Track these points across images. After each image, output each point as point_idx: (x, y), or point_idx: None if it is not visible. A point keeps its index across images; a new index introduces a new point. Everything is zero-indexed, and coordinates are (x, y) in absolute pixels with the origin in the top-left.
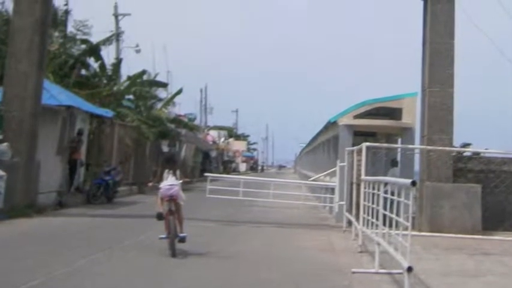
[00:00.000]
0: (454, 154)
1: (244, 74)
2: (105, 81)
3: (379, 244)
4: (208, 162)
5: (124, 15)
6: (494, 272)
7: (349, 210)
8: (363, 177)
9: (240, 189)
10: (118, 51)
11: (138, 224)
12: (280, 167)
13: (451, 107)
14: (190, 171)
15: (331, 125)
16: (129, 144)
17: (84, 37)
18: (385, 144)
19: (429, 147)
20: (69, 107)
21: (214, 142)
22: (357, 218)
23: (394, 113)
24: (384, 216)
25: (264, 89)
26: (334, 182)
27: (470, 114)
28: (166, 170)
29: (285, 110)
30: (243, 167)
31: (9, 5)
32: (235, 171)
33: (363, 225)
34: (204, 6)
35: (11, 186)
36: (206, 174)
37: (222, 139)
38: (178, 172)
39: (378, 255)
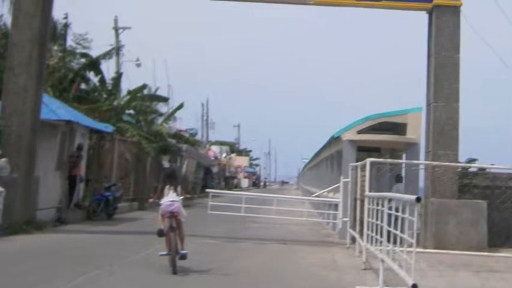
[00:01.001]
0: (459, 170)
1: (247, 89)
2: (105, 96)
3: (383, 261)
4: (209, 178)
5: (124, 28)
6: None
7: (353, 227)
8: (366, 193)
9: (242, 206)
10: (118, 65)
11: (139, 241)
12: (283, 182)
13: (457, 122)
14: (191, 187)
15: (334, 140)
16: (129, 160)
17: (84, 51)
18: (390, 160)
19: (434, 163)
20: (68, 122)
21: (215, 158)
22: (361, 235)
23: (398, 128)
24: (388, 232)
25: (266, 103)
26: (338, 198)
27: (476, 129)
28: (167, 186)
29: (288, 125)
30: (245, 182)
31: (8, 19)
32: (237, 187)
33: (367, 241)
34: (205, 20)
35: (9, 202)
36: (208, 190)
37: (224, 154)
38: (179, 188)
39: (382, 272)
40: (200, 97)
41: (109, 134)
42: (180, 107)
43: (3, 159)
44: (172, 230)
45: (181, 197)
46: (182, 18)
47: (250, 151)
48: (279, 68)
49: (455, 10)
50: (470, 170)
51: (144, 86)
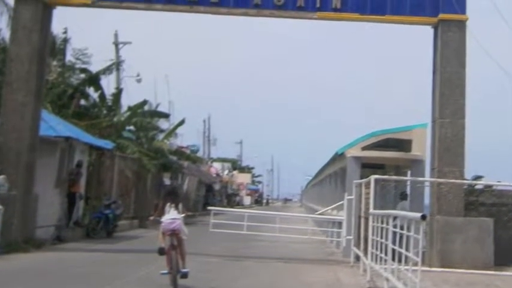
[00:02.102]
0: (465, 187)
1: (249, 105)
2: (105, 112)
3: (388, 280)
4: (211, 196)
5: (124, 43)
6: None
7: (357, 245)
8: (371, 210)
9: (245, 223)
10: (118, 80)
11: (139, 259)
12: (286, 200)
13: (463, 139)
14: (193, 204)
15: (338, 157)
16: (129, 177)
17: (84, 66)
18: (394, 177)
19: (440, 180)
20: (67, 139)
21: (217, 175)
22: (365, 253)
23: (403, 145)
24: (393, 251)
25: (269, 120)
26: (342, 215)
27: (482, 146)
28: (168, 204)
29: (291, 141)
30: (247, 200)
31: (6, 34)
32: (240, 204)
33: (371, 260)
34: (207, 35)
35: (7, 220)
36: (209, 207)
37: (226, 171)
38: (180, 206)
39: None
40: (202, 113)
41: (109, 151)
42: (181, 123)
43: (2, 176)
44: (174, 248)
45: (183, 215)
46: (184, 34)
47: (252, 168)
48: (282, 84)
49: (461, 25)
50: (477, 187)
51: (144, 102)
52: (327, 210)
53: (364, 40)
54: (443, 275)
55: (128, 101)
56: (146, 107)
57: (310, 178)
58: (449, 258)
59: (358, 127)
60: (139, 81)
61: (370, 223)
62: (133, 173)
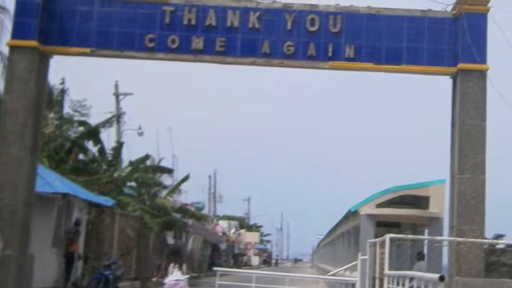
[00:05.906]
0: (486, 246)
1: (257, 160)
2: (104, 167)
3: None
4: (217, 255)
5: (125, 94)
6: None
7: None
8: (386, 271)
9: (253, 285)
10: (119, 133)
11: None
12: (296, 260)
13: (483, 195)
14: (197, 265)
15: (351, 214)
16: (131, 236)
17: (82, 118)
18: (411, 236)
19: (459, 239)
20: (65, 195)
21: (224, 233)
22: None
23: (420, 202)
24: None
25: (278, 176)
26: (355, 276)
27: (504, 203)
28: (172, 264)
29: (301, 198)
30: (255, 260)
31: (0, 84)
32: (247, 265)
33: None
34: (211, 87)
35: (2, 282)
36: (215, 268)
37: (233, 230)
38: (184, 266)
39: None
40: (207, 168)
41: (109, 208)
42: (186, 179)
43: None
44: None
45: (187, 276)
46: (188, 86)
47: (260, 226)
48: (291, 139)
49: (482, 75)
50: (498, 246)
51: (146, 157)
52: (340, 271)
53: (378, 90)
54: None
55: (129, 155)
56: (148, 162)
57: (322, 237)
58: None
59: (372, 182)
60: (141, 134)
61: (385, 285)
62: (135, 232)
